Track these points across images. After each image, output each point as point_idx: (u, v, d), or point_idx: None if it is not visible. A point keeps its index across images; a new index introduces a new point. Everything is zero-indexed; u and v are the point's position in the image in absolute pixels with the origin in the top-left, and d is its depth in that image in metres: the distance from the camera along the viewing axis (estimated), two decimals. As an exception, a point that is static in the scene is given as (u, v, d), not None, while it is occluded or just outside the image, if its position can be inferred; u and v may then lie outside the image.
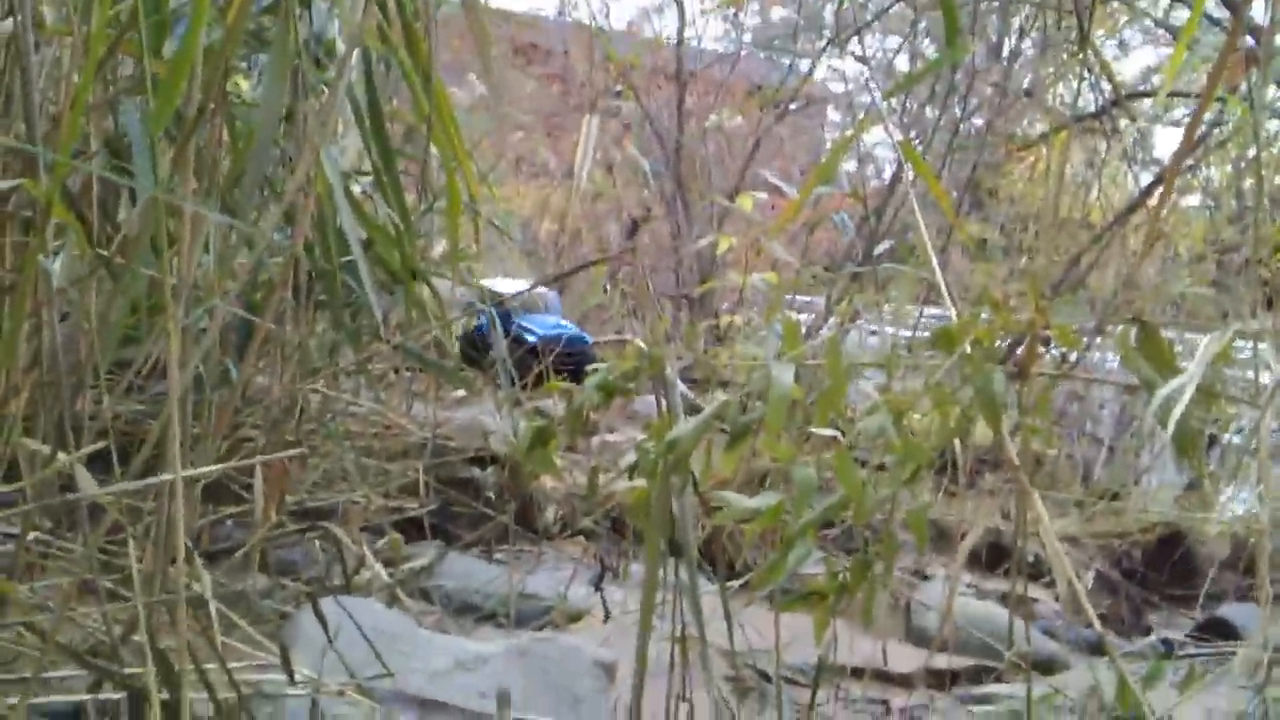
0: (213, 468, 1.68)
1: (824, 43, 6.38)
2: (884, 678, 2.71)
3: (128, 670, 1.55)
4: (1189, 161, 5.45)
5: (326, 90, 2.63)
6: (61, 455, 1.69)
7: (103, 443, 1.54)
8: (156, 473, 1.58)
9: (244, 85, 3.03)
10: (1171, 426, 1.36)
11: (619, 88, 6.02)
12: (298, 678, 1.65)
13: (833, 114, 10.24)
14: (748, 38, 8.29)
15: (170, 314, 1.25)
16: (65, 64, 1.95)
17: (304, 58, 2.27)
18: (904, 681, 2.70)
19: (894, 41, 7.64)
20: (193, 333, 1.91)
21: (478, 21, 2.34)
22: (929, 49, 6.95)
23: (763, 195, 5.20)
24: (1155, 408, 1.39)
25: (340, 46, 2.80)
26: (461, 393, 4.11)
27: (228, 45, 1.49)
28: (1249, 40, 3.02)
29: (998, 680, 2.72)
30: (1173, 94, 3.79)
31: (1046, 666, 2.87)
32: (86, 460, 1.65)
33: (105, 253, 1.99)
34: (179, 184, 1.62)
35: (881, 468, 1.71)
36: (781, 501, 1.48)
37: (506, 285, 4.92)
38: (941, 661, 2.79)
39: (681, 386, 3.98)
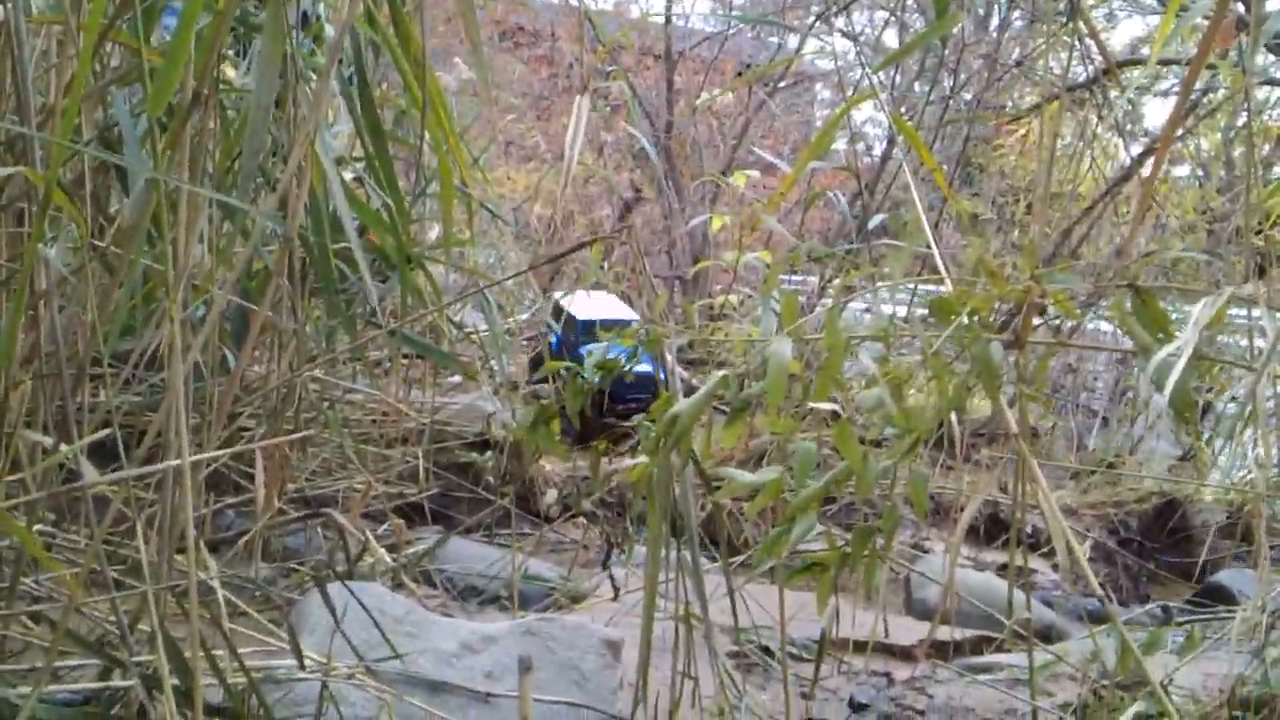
0: (218, 452, 1.68)
1: (811, 19, 6.35)
2: (886, 650, 2.73)
3: (137, 658, 1.56)
4: (1179, 131, 5.45)
5: (315, 76, 2.63)
6: (64, 446, 1.69)
7: (106, 431, 1.54)
8: (159, 462, 1.58)
9: (231, 73, 3.02)
10: (1168, 390, 1.37)
11: (609, 68, 6.00)
12: (307, 662, 1.66)
13: (822, 92, 10.22)
14: (735, 15, 8.26)
15: (171, 299, 1.25)
16: (53, 54, 1.94)
17: (293, 43, 2.27)
18: (906, 654, 2.72)
19: (882, 17, 7.62)
20: (191, 322, 1.91)
21: (466, 3, 2.33)
22: (917, 23, 6.94)
23: (755, 173, 5.19)
24: (1151, 371, 1.40)
25: (329, 31, 2.79)
26: (459, 378, 4.11)
27: (220, 30, 1.48)
28: (1239, 6, 3.02)
29: (999, 650, 2.74)
30: (1163, 62, 3.79)
31: (1045, 636, 2.90)
32: (87, 452, 1.65)
33: (99, 243, 1.99)
34: (173, 171, 1.62)
35: (878, 444, 1.72)
36: (782, 476, 1.49)
37: (586, 307, 4.30)
38: (943, 633, 2.82)
39: (678, 368, 3.98)
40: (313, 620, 1.91)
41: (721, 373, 1.61)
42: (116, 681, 1.63)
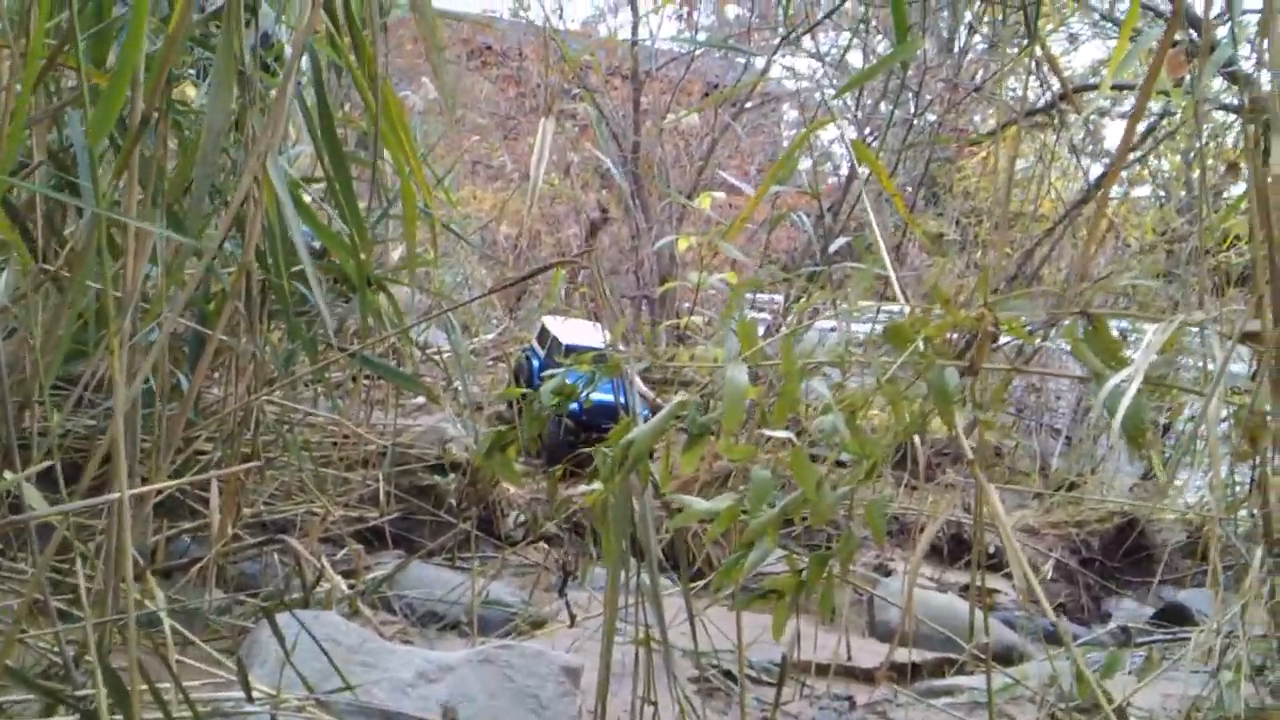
0: (163, 484, 1.65)
1: (777, 41, 6.39)
2: (848, 673, 2.73)
3: (80, 693, 1.52)
4: (1139, 153, 5.54)
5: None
6: (8, 474, 1.65)
7: (48, 462, 1.50)
8: (107, 489, 1.55)
9: (192, 93, 2.99)
10: (1119, 416, 1.38)
11: (575, 89, 6.00)
12: (256, 694, 1.63)
13: (789, 112, 10.28)
14: (703, 37, 8.30)
15: (113, 328, 1.22)
16: (4, 76, 1.91)
17: (252, 63, 2.25)
18: (868, 676, 2.71)
19: (848, 38, 7.68)
20: (141, 346, 1.88)
21: (426, 23, 2.32)
22: (881, 45, 7.00)
23: (720, 195, 5.20)
24: (1103, 398, 1.41)
25: (289, 52, 2.77)
26: (421, 400, 4.08)
27: (169, 53, 1.46)
28: (1192, 33, 3.06)
29: (960, 672, 2.74)
30: (1117, 86, 3.84)
31: (1006, 658, 2.90)
32: (36, 478, 1.62)
33: (50, 268, 1.95)
34: (123, 194, 1.59)
35: (841, 464, 1.72)
36: (738, 502, 1.48)
37: (571, 332, 4.13)
38: (905, 655, 2.81)
39: (642, 387, 3.96)
40: (265, 650, 1.87)
41: (679, 397, 1.60)
42: (60, 717, 1.59)
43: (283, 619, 1.82)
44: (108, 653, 1.60)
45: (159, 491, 2.01)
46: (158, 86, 1.43)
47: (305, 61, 2.46)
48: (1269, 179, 1.22)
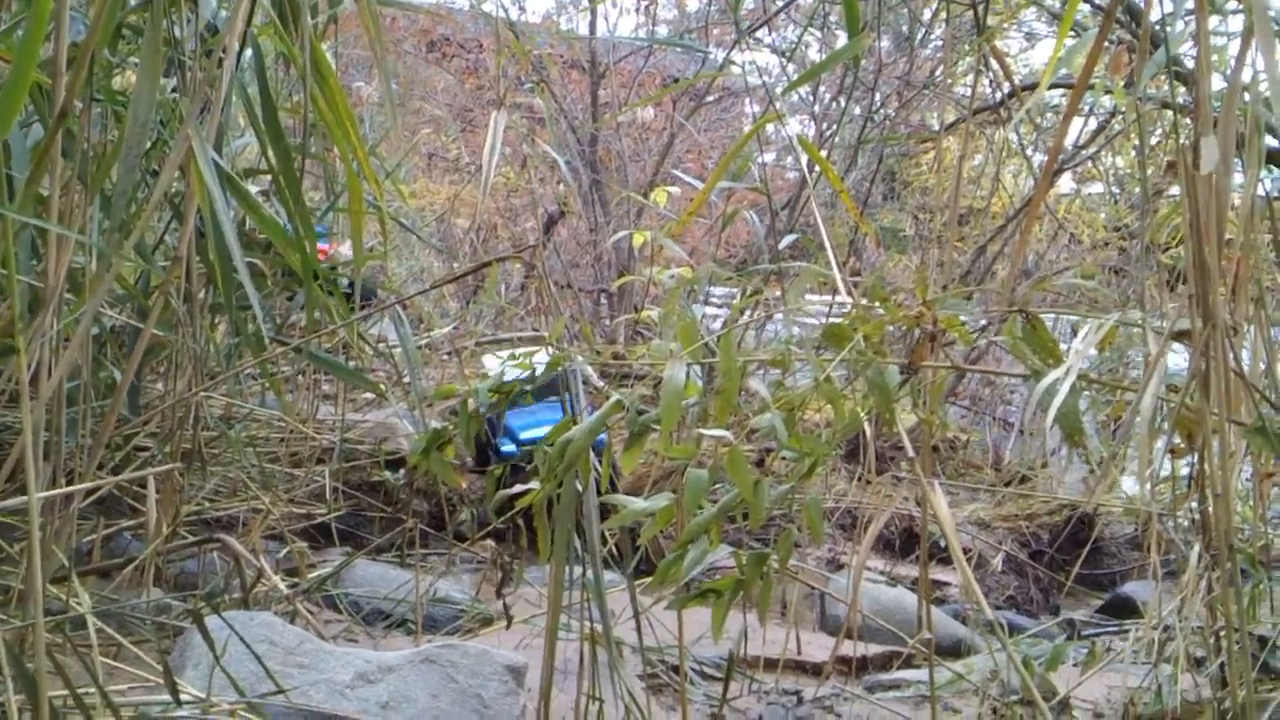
0: (88, 485, 1.61)
1: (736, 37, 6.39)
2: (798, 668, 2.73)
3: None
4: (1091, 150, 5.59)
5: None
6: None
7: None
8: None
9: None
10: (1052, 414, 1.38)
11: (529, 83, 5.96)
12: (185, 698, 1.60)
13: (751, 107, 10.29)
14: (664, 30, 8.28)
15: (18, 326, 1.19)
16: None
17: (198, 51, 2.20)
18: (817, 671, 2.71)
19: (809, 35, 7.68)
20: (68, 339, 1.83)
21: (369, 14, 2.28)
22: (840, 41, 7.01)
23: (675, 190, 5.19)
24: (1038, 395, 1.42)
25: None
26: (373, 394, 4.03)
27: (91, 40, 1.42)
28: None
29: (907, 665, 2.75)
30: (1056, 85, 3.87)
31: (955, 650, 2.92)
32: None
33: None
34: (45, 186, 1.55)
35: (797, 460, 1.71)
36: (673, 504, 1.47)
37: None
38: (853, 649, 2.82)
39: (595, 379, 3.92)
40: (199, 652, 1.83)
41: (616, 396, 1.58)
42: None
43: (222, 619, 1.79)
44: (32, 656, 1.56)
45: (90, 491, 1.97)
46: (79, 75, 1.39)
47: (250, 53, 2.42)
48: (1197, 180, 1.22)
